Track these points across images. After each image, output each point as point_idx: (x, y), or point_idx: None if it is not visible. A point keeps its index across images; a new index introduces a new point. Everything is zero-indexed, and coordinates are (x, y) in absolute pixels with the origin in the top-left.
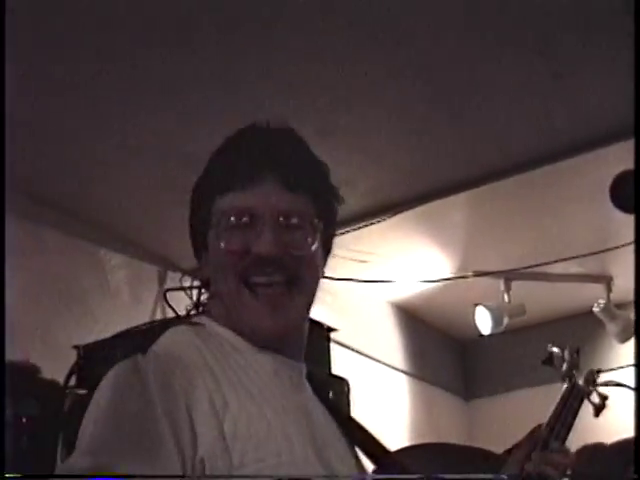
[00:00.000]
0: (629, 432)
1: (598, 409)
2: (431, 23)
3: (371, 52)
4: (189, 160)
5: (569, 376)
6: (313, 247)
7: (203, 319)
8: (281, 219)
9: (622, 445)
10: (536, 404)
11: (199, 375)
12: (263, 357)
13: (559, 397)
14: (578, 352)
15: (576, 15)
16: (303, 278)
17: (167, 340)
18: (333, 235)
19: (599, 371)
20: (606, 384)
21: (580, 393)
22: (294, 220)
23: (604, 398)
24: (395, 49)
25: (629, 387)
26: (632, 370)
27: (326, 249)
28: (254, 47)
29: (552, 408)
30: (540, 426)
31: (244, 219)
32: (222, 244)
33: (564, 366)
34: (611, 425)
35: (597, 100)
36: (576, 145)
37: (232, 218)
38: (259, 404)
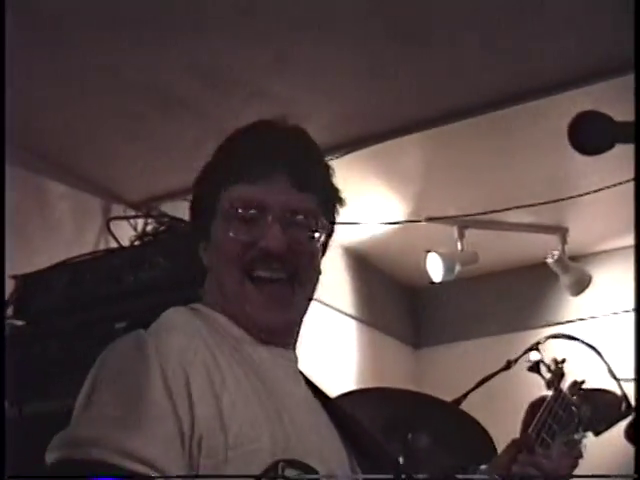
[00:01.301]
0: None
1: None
2: None
3: None
4: (137, 90)
5: (554, 385)
6: (317, 245)
7: (199, 306)
8: (288, 215)
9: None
10: (485, 354)
11: (199, 353)
12: (261, 347)
13: (545, 404)
14: (564, 361)
15: None
16: (306, 274)
17: (168, 318)
18: (332, 234)
19: (582, 382)
20: (556, 337)
21: (565, 401)
22: (300, 217)
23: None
24: None
25: (579, 340)
26: (586, 323)
27: (325, 247)
28: None
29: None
30: (526, 434)
31: (251, 212)
32: (229, 234)
33: (549, 374)
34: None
35: (557, 43)
36: (535, 89)
37: (240, 209)
38: (256, 388)
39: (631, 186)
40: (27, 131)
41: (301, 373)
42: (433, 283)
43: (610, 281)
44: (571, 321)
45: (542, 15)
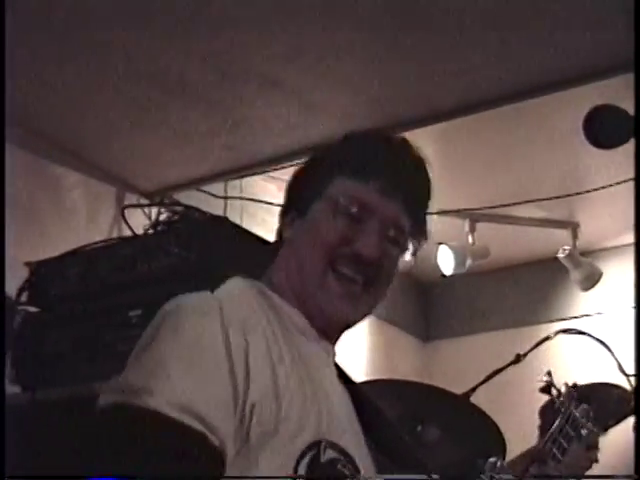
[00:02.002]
0: (588, 379)
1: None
2: None
3: None
4: (151, 79)
5: (566, 407)
6: (399, 263)
7: (260, 284)
8: (389, 229)
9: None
10: (494, 348)
11: (260, 324)
12: (309, 329)
13: (557, 423)
14: (575, 386)
15: None
16: (381, 286)
17: (233, 287)
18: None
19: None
20: (567, 331)
21: (575, 423)
22: (394, 234)
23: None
24: None
25: (590, 335)
26: (593, 319)
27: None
28: None
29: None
30: (541, 447)
31: (354, 210)
32: (332, 223)
33: (561, 397)
34: (572, 373)
35: (570, 38)
36: (548, 84)
37: (352, 205)
38: (309, 369)
39: None
40: (41, 118)
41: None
42: (444, 276)
43: (621, 276)
44: (581, 316)
45: (558, 7)
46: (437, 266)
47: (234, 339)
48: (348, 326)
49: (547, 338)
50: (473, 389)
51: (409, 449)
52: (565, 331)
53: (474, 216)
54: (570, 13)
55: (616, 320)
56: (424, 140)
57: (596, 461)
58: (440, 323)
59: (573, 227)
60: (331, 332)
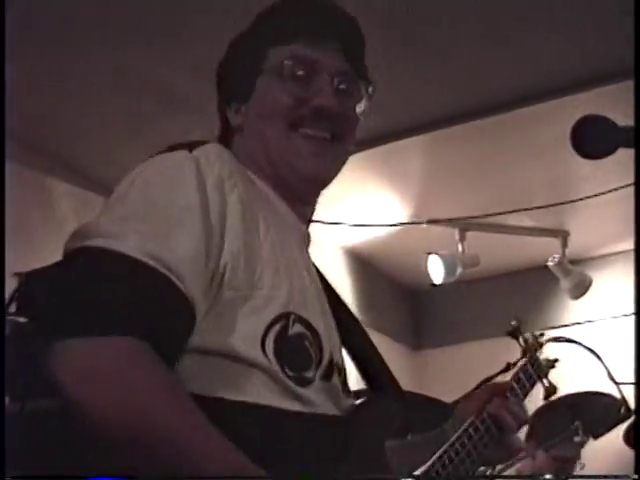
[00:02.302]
0: (578, 387)
1: (549, 393)
2: None
3: None
4: (142, 90)
5: (531, 352)
6: (357, 112)
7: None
8: (339, 80)
9: (569, 400)
10: (485, 356)
11: (238, 187)
12: (283, 204)
13: (520, 365)
14: (542, 334)
15: None
16: (345, 138)
17: (210, 148)
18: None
19: (556, 360)
20: (557, 340)
21: (539, 369)
22: (345, 85)
23: (554, 387)
24: None
25: (579, 344)
26: (584, 327)
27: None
28: None
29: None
30: (489, 381)
31: (301, 72)
32: (282, 89)
33: (527, 341)
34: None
35: (559, 48)
36: (537, 94)
37: (295, 66)
38: (281, 240)
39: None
40: (30, 129)
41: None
42: (434, 285)
43: (610, 285)
44: (571, 324)
45: (545, 20)
46: (427, 275)
47: (212, 196)
48: (324, 184)
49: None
50: (464, 397)
51: (381, 361)
52: (555, 339)
53: (464, 225)
54: (557, 25)
55: (606, 328)
56: (413, 150)
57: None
58: (430, 332)
59: (563, 235)
60: (307, 195)
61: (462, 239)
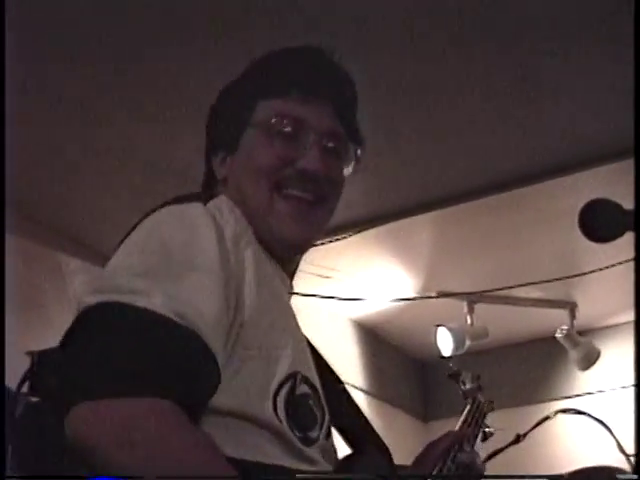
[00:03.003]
0: (588, 460)
1: (486, 437)
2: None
3: None
4: (151, 167)
5: (473, 395)
6: (344, 175)
7: None
8: (326, 140)
9: (578, 475)
10: (494, 427)
11: (251, 243)
12: (271, 260)
13: (466, 411)
14: (479, 378)
15: (556, 43)
16: (332, 200)
17: (221, 202)
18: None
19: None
20: (565, 411)
21: (483, 411)
22: (333, 144)
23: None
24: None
25: (589, 415)
26: (593, 398)
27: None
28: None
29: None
30: (464, 430)
31: (288, 129)
32: (267, 146)
33: (468, 385)
34: (572, 453)
35: (568, 127)
36: (545, 170)
37: (282, 124)
38: (279, 296)
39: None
40: (43, 206)
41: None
42: (443, 357)
43: (618, 356)
44: (581, 395)
45: (556, 97)
46: (436, 347)
47: (231, 253)
48: (303, 249)
49: (547, 418)
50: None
51: (364, 420)
52: (564, 411)
53: (472, 297)
54: (563, 103)
55: (615, 399)
56: (423, 225)
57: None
58: (439, 403)
59: (571, 307)
60: (287, 257)
61: (470, 311)
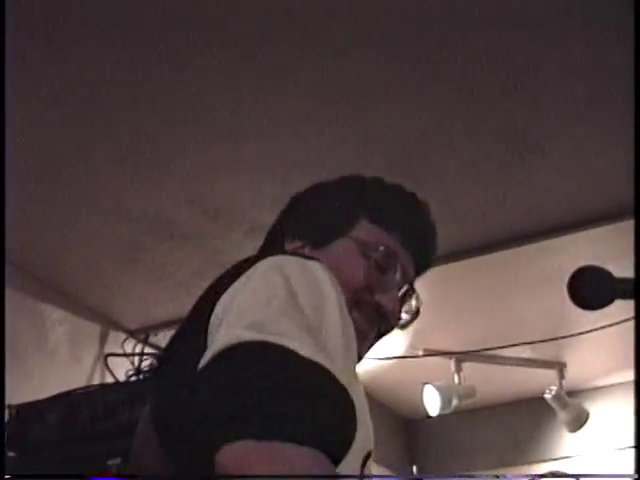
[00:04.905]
0: None
1: None
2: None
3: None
4: (139, 220)
5: None
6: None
7: None
8: (404, 288)
9: None
10: None
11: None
12: None
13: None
14: None
15: (539, 105)
16: (377, 336)
17: (310, 264)
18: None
19: None
20: (553, 475)
21: None
22: (407, 294)
23: None
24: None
25: (577, 477)
26: (582, 459)
27: None
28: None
29: None
30: None
31: (385, 264)
32: (360, 267)
33: None
34: None
35: (556, 189)
36: (536, 231)
37: (384, 257)
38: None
39: (626, 326)
40: (24, 254)
41: None
42: (430, 417)
43: (608, 417)
44: (569, 457)
45: (547, 158)
46: (423, 406)
47: (343, 303)
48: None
49: None
50: None
51: None
52: (553, 474)
53: (460, 356)
54: (553, 165)
55: (604, 461)
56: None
57: None
58: (426, 462)
59: (560, 367)
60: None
61: (458, 370)
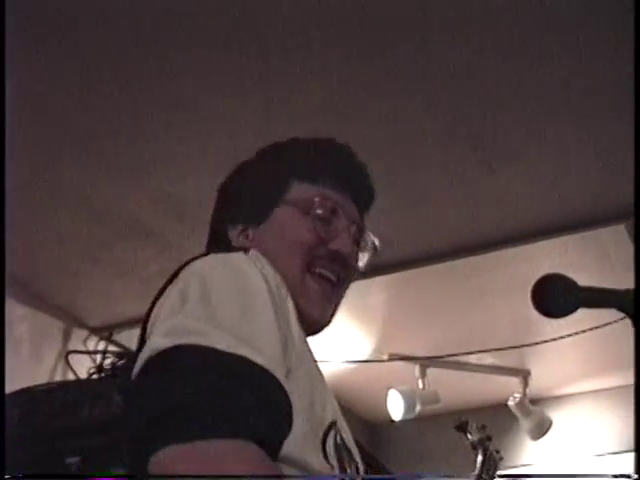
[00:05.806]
0: None
1: None
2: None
3: None
4: (104, 218)
5: (483, 446)
6: (360, 262)
7: None
8: (353, 228)
9: None
10: None
11: (289, 296)
12: None
13: (479, 462)
14: (484, 428)
15: (512, 110)
16: (346, 282)
17: (260, 256)
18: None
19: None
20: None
21: (494, 461)
22: (357, 234)
23: None
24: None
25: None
26: (542, 467)
27: None
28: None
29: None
30: None
31: (326, 212)
32: (304, 227)
33: (475, 436)
34: None
35: (525, 196)
36: (501, 238)
37: (322, 207)
38: (309, 350)
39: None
40: None
41: None
42: (393, 421)
43: (570, 426)
44: (530, 465)
45: (515, 166)
46: (387, 410)
47: (278, 297)
48: (324, 328)
49: None
50: None
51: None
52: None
53: (425, 361)
54: (523, 173)
55: (567, 469)
56: (376, 289)
57: None
58: (389, 467)
59: (524, 375)
60: (312, 334)
61: (422, 375)
